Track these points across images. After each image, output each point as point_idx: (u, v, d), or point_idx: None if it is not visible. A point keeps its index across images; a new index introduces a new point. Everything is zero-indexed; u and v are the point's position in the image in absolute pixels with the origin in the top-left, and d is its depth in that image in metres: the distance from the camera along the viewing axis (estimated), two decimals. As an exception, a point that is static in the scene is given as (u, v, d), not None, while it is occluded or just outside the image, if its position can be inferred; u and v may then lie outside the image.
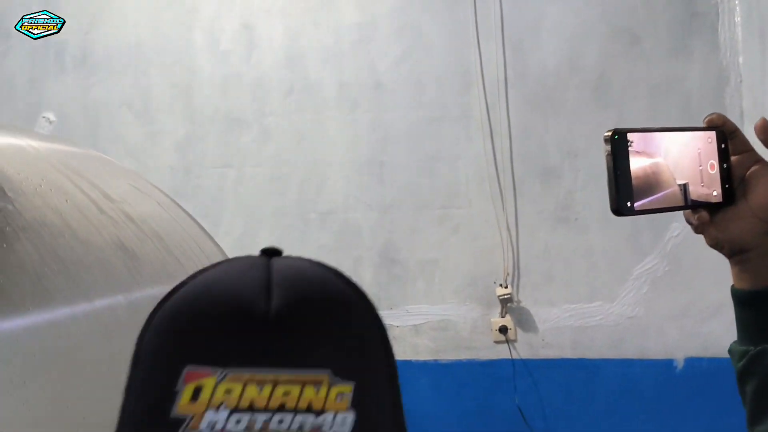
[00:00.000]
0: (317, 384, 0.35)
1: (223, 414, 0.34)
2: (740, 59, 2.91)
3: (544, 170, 2.99)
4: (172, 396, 0.35)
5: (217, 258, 1.65)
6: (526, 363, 2.93)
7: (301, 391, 0.35)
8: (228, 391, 0.34)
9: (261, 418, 0.34)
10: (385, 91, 3.09)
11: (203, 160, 3.19)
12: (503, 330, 2.94)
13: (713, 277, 2.84)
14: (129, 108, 3.24)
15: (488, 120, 3.02)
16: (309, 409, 0.34)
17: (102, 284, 1.24)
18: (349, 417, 0.35)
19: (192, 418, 0.34)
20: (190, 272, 0.45)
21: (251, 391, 0.34)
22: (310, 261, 0.45)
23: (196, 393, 0.34)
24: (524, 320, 2.96)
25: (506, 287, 2.94)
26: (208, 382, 0.34)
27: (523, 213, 3.00)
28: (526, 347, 2.95)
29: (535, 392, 2.92)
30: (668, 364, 2.86)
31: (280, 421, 0.34)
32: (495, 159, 3.02)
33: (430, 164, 3.06)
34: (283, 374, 0.35)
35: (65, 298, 1.09)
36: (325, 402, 0.35)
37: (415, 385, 2.96)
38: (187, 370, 0.35)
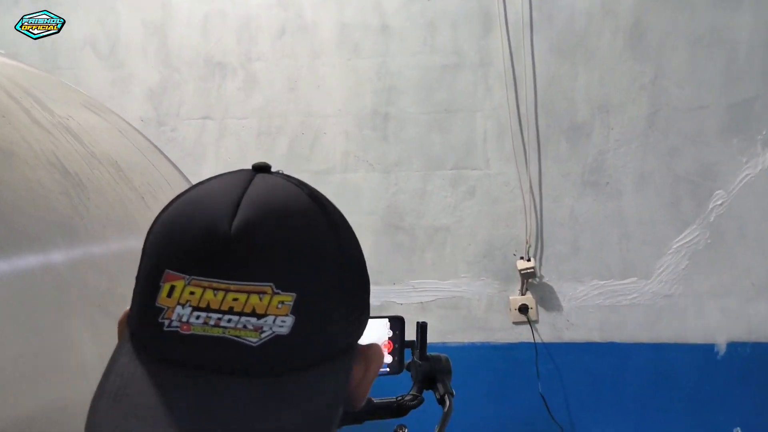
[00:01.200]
0: (261, 293, 0.43)
1: (188, 310, 0.43)
2: (798, 4, 2.56)
3: (572, 127, 2.62)
4: (156, 290, 0.44)
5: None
6: (548, 347, 2.57)
7: (247, 299, 0.43)
8: (192, 293, 0.43)
9: (215, 316, 0.43)
10: (392, 34, 2.68)
11: (179, 110, 2.76)
12: (523, 309, 2.57)
13: (760, 251, 2.51)
14: (93, 49, 2.79)
15: (511, 68, 2.64)
16: (252, 313, 0.43)
17: (31, 224, 0.83)
18: (289, 320, 0.44)
19: (167, 309, 0.44)
20: (155, 214, 0.51)
21: (208, 295, 0.43)
22: (288, 178, 0.51)
23: (171, 291, 0.44)
24: (547, 298, 2.60)
25: (528, 260, 2.57)
26: (179, 284, 0.44)
27: (548, 175, 2.62)
28: (549, 329, 2.59)
29: (558, 380, 2.56)
30: (709, 349, 2.52)
31: (229, 321, 0.43)
32: (518, 113, 2.64)
33: (442, 118, 2.67)
34: (233, 285, 0.43)
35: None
36: (267, 308, 0.44)
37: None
38: (167, 272, 0.44)
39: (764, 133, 2.54)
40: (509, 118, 2.63)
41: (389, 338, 1.00)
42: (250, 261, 0.44)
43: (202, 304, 0.43)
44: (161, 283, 0.44)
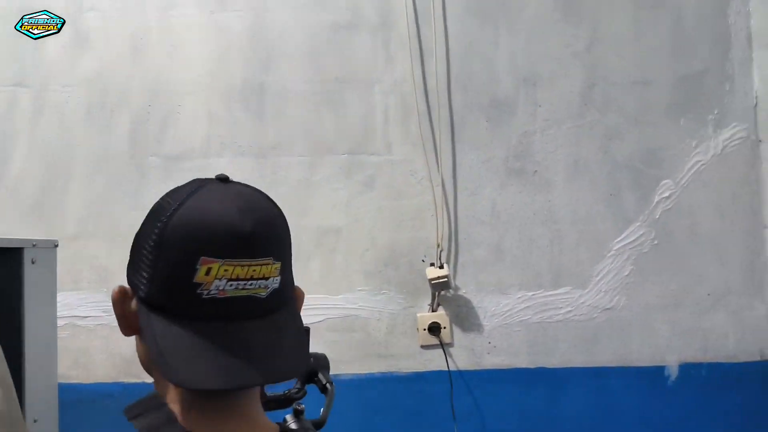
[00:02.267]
0: (267, 264, 0.63)
1: (224, 281, 0.60)
2: (752, -40, 2.17)
3: (493, 103, 2.13)
4: (193, 272, 0.60)
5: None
6: (465, 376, 2.05)
7: (260, 269, 0.62)
8: (226, 270, 0.60)
9: (242, 283, 0.61)
10: (268, -17, 2.11)
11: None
12: (435, 329, 2.04)
13: (715, 254, 2.09)
14: None
15: (417, 32, 2.12)
16: (263, 278, 0.63)
17: None
18: (278, 279, 0.65)
19: (205, 284, 0.60)
20: None
21: (238, 270, 0.61)
22: (252, 189, 0.68)
23: (208, 271, 0.60)
24: (464, 315, 2.08)
25: (440, 267, 2.04)
26: (215, 266, 0.60)
27: (464, 163, 2.11)
28: (466, 354, 2.07)
29: (478, 417, 2.04)
30: (658, 372, 2.07)
31: (251, 284, 0.62)
32: (425, 87, 2.12)
33: (333, 91, 2.12)
34: (253, 261, 0.62)
35: None
36: (270, 272, 0.64)
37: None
38: (202, 258, 0.60)
39: (716, 112, 2.13)
40: (415, 93, 2.10)
41: None
42: (261, 246, 0.63)
43: (233, 276, 0.60)
44: (198, 266, 0.60)
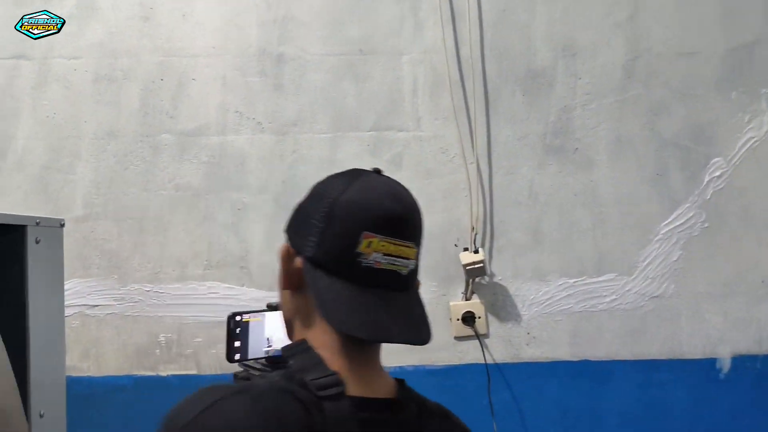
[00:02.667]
0: (410, 248, 0.73)
1: (380, 255, 0.70)
2: None
3: (530, 74, 1.98)
4: (356, 243, 0.69)
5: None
6: (503, 369, 1.90)
7: (406, 250, 0.72)
8: (382, 245, 0.70)
9: (393, 259, 0.71)
10: (288, -54, 1.96)
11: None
12: (469, 319, 1.90)
13: (771, 236, 1.93)
14: None
15: (447, -3, 1.97)
16: (407, 258, 0.72)
17: None
18: (415, 261, 0.74)
19: (365, 254, 0.69)
20: None
21: (391, 248, 0.70)
22: (397, 182, 0.77)
23: (369, 244, 0.69)
24: (500, 304, 1.93)
25: (474, 252, 1.89)
26: (375, 240, 0.69)
27: (499, 139, 1.96)
28: (503, 345, 1.92)
29: (517, 412, 1.89)
30: (709, 364, 1.92)
31: (399, 262, 0.71)
32: (458, 57, 1.97)
33: (357, 62, 1.97)
34: (403, 242, 0.72)
35: None
36: (410, 255, 0.73)
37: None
38: (365, 233, 0.69)
39: (770, 84, 1.97)
40: (447, 64, 1.95)
41: None
42: (408, 230, 0.73)
43: (387, 252, 0.70)
44: (361, 239, 0.69)
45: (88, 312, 1.89)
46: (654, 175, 1.96)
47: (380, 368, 0.75)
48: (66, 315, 1.57)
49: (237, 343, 1.23)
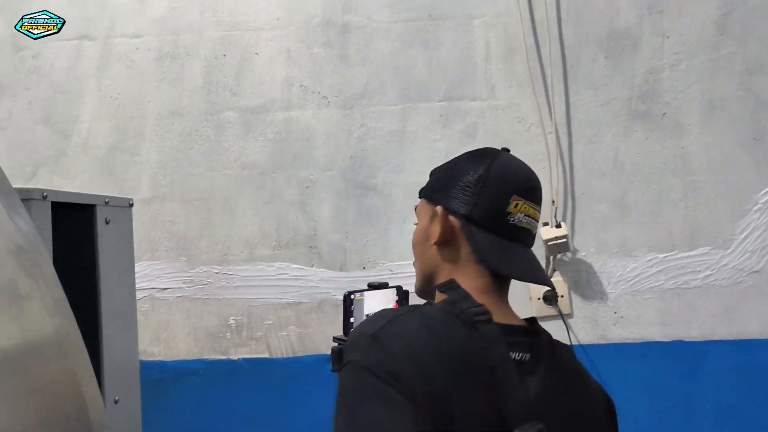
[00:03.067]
0: (538, 212, 0.86)
1: (522, 215, 0.83)
2: None
3: (612, 35, 1.83)
4: (507, 204, 0.83)
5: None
6: (589, 351, 1.79)
7: (536, 213, 0.86)
8: (525, 208, 0.84)
9: (531, 220, 0.85)
10: None
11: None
12: (551, 298, 1.79)
13: None
14: None
15: (520, -45, 1.84)
16: (536, 219, 0.86)
17: None
18: (538, 223, 0.87)
19: (512, 214, 0.83)
20: None
21: (530, 210, 0.84)
22: (518, 159, 0.89)
23: (516, 205, 0.83)
24: (584, 281, 1.81)
25: (556, 227, 1.78)
26: (521, 203, 0.83)
27: (580, 106, 1.83)
28: (588, 326, 1.80)
29: (604, 398, 1.77)
30: (816, 345, 1.76)
31: (533, 222, 0.85)
32: (532, 19, 1.84)
33: (426, 28, 1.86)
34: (536, 206, 0.86)
35: None
36: (538, 218, 0.87)
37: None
38: (514, 196, 0.83)
39: None
40: (521, 27, 1.83)
41: (396, 302, 1.37)
42: (539, 197, 0.87)
43: (527, 213, 0.84)
44: (510, 200, 0.83)
45: (157, 295, 1.86)
46: (750, 139, 1.80)
47: (508, 304, 0.88)
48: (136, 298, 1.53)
49: (351, 320, 1.32)
